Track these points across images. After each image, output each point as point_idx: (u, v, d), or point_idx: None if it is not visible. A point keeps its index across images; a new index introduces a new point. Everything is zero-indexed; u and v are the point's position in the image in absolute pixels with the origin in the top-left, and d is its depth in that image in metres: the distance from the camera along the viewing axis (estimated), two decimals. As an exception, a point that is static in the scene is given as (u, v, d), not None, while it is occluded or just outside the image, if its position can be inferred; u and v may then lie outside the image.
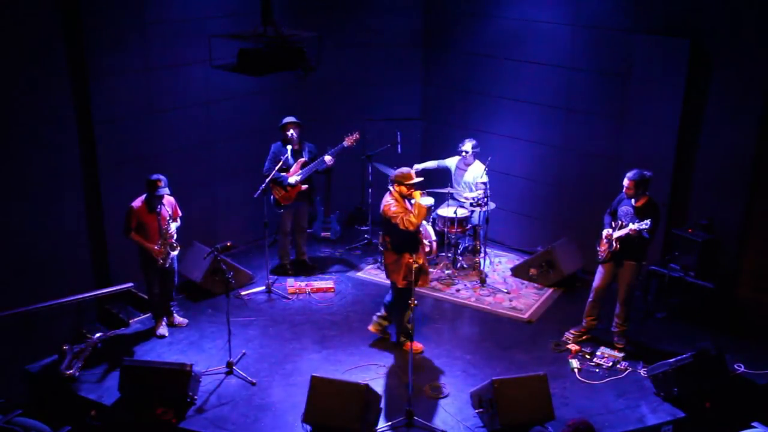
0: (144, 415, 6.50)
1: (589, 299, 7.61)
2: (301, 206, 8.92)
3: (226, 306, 7.10)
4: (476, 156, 8.91)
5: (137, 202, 7.38)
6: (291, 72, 6.56)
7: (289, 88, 9.24)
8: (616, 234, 7.19)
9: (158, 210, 7.34)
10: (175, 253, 7.55)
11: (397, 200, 7.12)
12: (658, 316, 8.10)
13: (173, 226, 7.47)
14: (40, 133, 7.41)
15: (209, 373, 7.11)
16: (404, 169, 7.20)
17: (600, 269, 7.47)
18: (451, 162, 9.11)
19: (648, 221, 6.93)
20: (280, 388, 6.99)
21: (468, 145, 8.82)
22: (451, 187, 9.02)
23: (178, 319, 7.96)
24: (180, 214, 7.64)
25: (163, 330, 7.77)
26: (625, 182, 7.13)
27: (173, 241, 7.46)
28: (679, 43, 7.85)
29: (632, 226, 7.00)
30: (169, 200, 7.47)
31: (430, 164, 9.20)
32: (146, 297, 7.88)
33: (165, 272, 7.61)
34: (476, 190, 8.75)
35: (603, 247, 7.37)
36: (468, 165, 8.93)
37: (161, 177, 7.28)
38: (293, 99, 9.50)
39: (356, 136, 8.71)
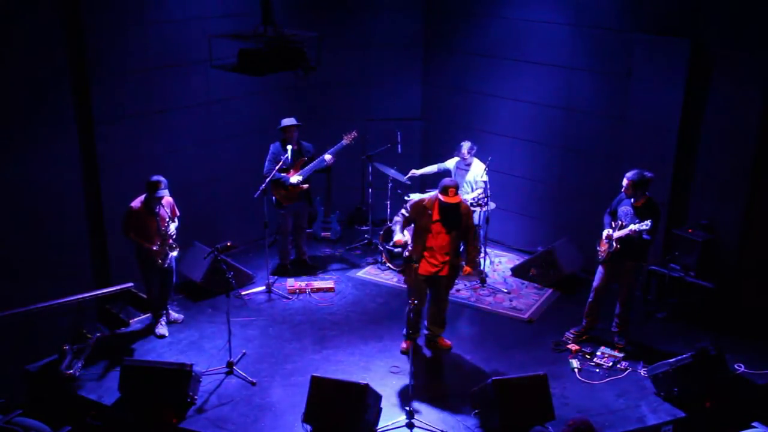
0: (144, 415, 6.50)
1: (589, 299, 7.60)
2: (301, 206, 8.93)
3: (226, 306, 7.11)
4: (475, 155, 8.90)
5: (136, 203, 7.38)
6: (291, 72, 6.56)
7: (289, 88, 9.24)
8: (617, 234, 7.17)
9: (157, 211, 7.35)
10: (174, 253, 7.55)
11: (427, 201, 7.12)
12: (658, 316, 8.10)
13: (172, 227, 7.47)
14: (40, 133, 7.41)
15: (209, 373, 7.10)
16: (450, 183, 7.01)
17: (600, 269, 7.47)
18: (451, 163, 9.11)
19: (648, 222, 6.90)
20: (280, 388, 6.99)
21: (464, 149, 8.82)
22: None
23: (174, 315, 7.95)
24: (178, 213, 7.63)
25: (163, 330, 7.77)
26: (624, 182, 7.12)
27: (172, 241, 7.46)
28: (679, 43, 7.85)
29: (633, 227, 6.97)
30: (167, 200, 7.47)
31: (430, 169, 9.21)
32: (146, 297, 7.87)
33: (163, 272, 7.61)
34: (477, 189, 8.76)
35: (603, 247, 7.36)
36: (468, 165, 8.93)
37: (161, 179, 7.28)
38: (293, 99, 9.50)
39: (354, 134, 8.74)
